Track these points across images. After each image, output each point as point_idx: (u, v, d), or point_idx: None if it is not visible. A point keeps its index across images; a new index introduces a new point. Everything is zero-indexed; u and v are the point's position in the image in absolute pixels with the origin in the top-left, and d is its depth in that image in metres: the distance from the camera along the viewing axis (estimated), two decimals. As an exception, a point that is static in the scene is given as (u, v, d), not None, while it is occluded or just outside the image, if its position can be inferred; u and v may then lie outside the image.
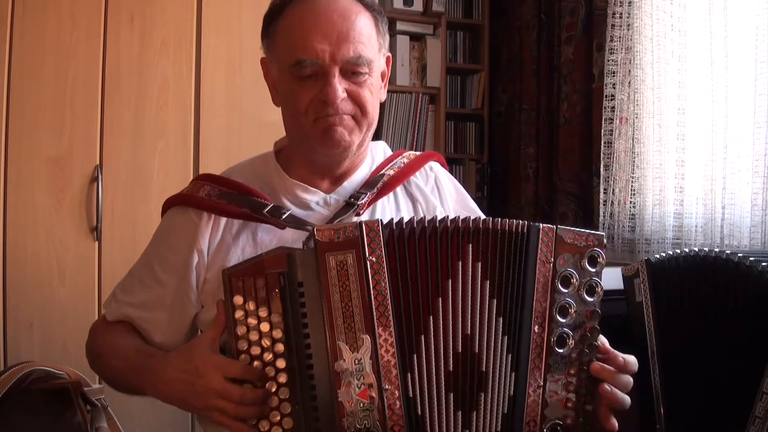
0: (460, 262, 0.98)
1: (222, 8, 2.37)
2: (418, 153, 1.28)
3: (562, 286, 0.98)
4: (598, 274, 0.99)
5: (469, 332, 0.97)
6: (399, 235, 0.98)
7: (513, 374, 0.98)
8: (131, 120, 2.27)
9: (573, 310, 0.98)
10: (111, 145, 2.24)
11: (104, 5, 2.23)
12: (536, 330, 0.98)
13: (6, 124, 2.13)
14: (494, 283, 0.98)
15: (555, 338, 0.98)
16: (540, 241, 0.99)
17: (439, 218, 1.00)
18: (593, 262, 0.99)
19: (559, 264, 0.98)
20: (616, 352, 1.01)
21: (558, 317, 0.98)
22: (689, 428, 1.44)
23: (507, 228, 1.00)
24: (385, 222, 0.98)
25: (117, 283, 1.23)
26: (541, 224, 0.99)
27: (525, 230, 0.99)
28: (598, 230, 2.65)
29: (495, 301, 0.98)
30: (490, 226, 1.00)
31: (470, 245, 0.98)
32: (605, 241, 1.00)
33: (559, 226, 0.99)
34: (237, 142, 2.38)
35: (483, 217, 1.03)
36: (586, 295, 0.99)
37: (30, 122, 2.15)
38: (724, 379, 1.40)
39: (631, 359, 1.02)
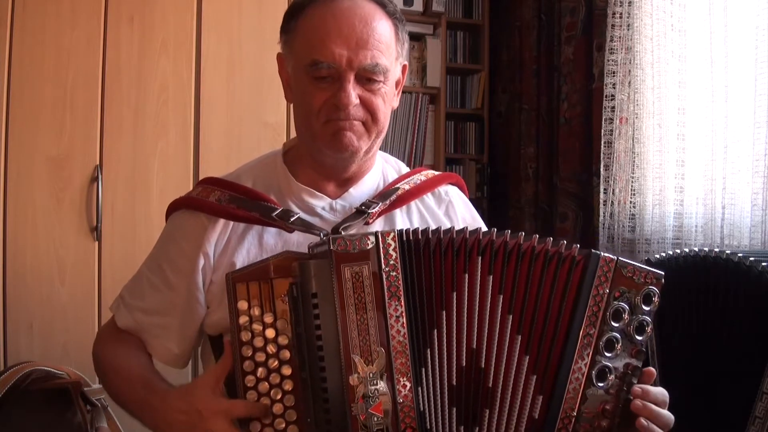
0: (466, 275, 0.96)
1: (222, 8, 2.37)
2: (437, 173, 1.27)
3: (612, 319, 0.95)
4: (650, 313, 0.96)
5: (474, 346, 0.96)
6: (412, 246, 0.97)
7: (540, 397, 0.95)
8: (131, 120, 2.27)
9: (619, 346, 0.95)
10: (111, 145, 2.24)
11: (104, 5, 2.23)
12: (578, 359, 0.95)
13: (6, 124, 2.13)
14: (512, 299, 0.96)
15: (596, 371, 0.95)
16: (598, 269, 0.96)
17: (444, 229, 0.98)
18: (648, 300, 0.96)
19: (613, 296, 0.96)
20: (649, 387, 0.99)
21: (603, 350, 0.95)
22: (689, 428, 1.44)
23: (552, 250, 0.97)
24: (400, 233, 0.96)
25: (117, 281, 1.22)
26: (602, 253, 0.96)
27: (580, 255, 0.97)
28: (598, 230, 2.67)
29: (511, 317, 0.96)
30: (528, 244, 0.97)
31: (480, 258, 0.96)
32: (663, 280, 0.97)
33: (619, 258, 0.97)
34: (237, 142, 2.38)
35: (535, 235, 0.99)
36: (634, 333, 0.96)
37: (30, 122, 2.15)
38: (724, 379, 1.40)
39: (661, 391, 0.99)
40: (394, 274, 0.94)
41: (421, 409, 0.94)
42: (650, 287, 0.96)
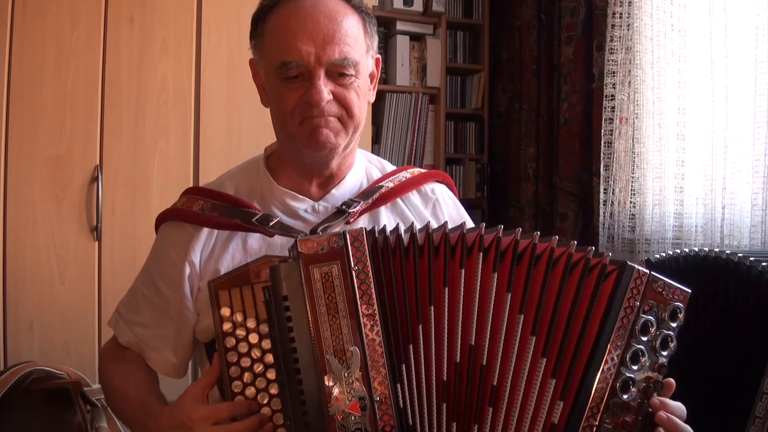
0: (463, 270, 0.95)
1: (222, 8, 2.37)
2: (423, 170, 1.26)
3: (641, 333, 0.96)
4: (675, 329, 0.97)
5: (473, 343, 0.95)
6: (385, 245, 0.96)
7: (561, 403, 0.94)
8: (131, 120, 2.27)
9: (644, 359, 0.96)
10: (111, 145, 2.24)
11: (104, 5, 2.23)
12: (604, 368, 0.94)
13: (6, 124, 2.13)
14: (523, 299, 0.95)
15: (620, 382, 0.95)
16: (631, 281, 0.95)
17: (434, 227, 0.97)
18: (674, 316, 0.97)
19: (642, 310, 0.96)
20: (667, 400, 0.99)
21: (629, 362, 0.95)
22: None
23: (577, 255, 0.96)
24: (369, 231, 0.96)
25: (117, 281, 1.23)
26: (636, 265, 0.96)
27: (612, 266, 0.96)
28: (598, 230, 2.67)
29: (523, 317, 0.95)
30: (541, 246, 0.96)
31: (481, 254, 0.95)
32: (689, 297, 0.98)
33: (651, 272, 0.96)
34: (237, 142, 2.38)
35: (546, 235, 0.98)
36: (659, 348, 0.96)
37: (30, 122, 2.15)
38: (724, 379, 1.40)
39: (679, 406, 0.99)
40: (365, 272, 0.93)
41: (401, 405, 0.93)
42: (677, 303, 0.97)
